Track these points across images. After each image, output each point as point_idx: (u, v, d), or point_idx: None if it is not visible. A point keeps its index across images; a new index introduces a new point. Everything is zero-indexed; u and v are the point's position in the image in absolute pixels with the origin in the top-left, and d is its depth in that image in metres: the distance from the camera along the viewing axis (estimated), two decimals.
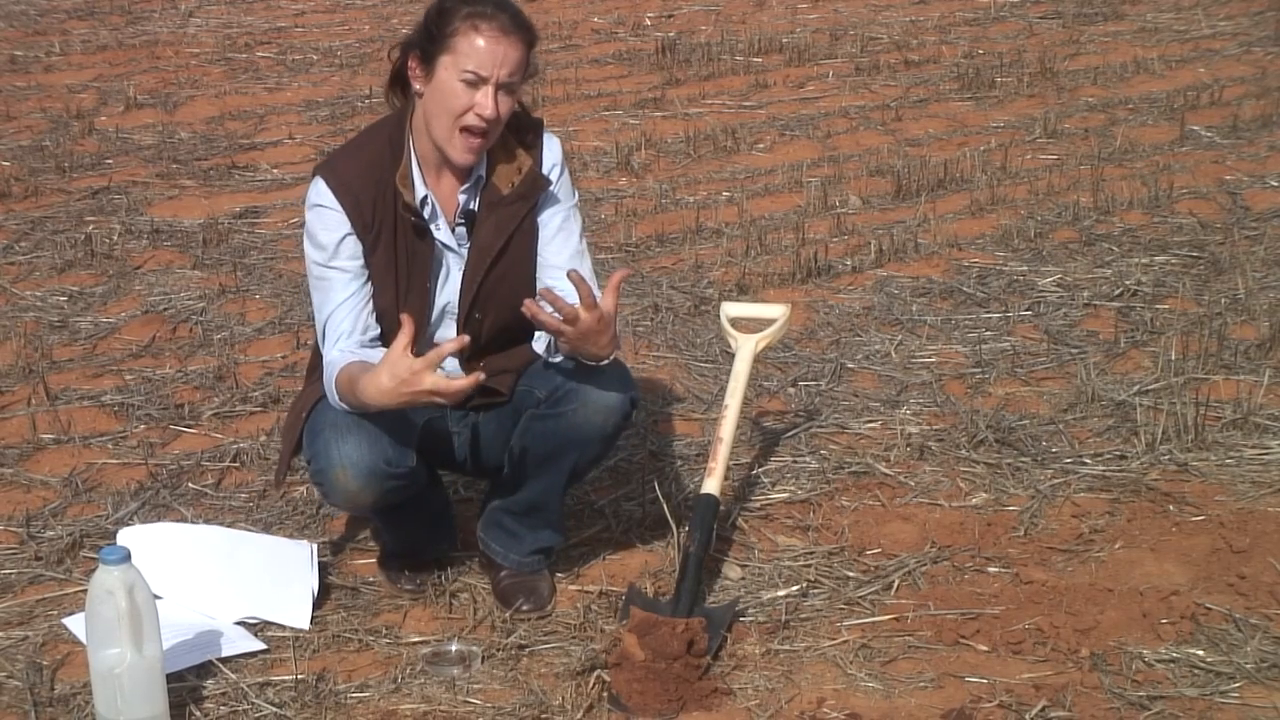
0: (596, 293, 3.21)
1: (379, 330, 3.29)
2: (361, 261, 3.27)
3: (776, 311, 3.78)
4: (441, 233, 3.32)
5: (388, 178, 3.26)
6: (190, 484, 4.03)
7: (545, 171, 3.35)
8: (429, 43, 3.19)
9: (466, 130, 3.19)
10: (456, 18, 3.16)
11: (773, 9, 9.33)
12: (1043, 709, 3.11)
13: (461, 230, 3.34)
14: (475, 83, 3.15)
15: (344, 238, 3.25)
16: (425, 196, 3.30)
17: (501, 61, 3.15)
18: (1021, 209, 6.00)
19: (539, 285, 3.36)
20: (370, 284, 3.28)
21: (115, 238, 5.70)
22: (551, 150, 3.39)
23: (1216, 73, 7.92)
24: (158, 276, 5.40)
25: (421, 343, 3.32)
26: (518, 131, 3.34)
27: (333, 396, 3.21)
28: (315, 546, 3.58)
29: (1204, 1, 9.35)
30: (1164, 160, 6.58)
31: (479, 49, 3.15)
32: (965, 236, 5.73)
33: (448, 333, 3.36)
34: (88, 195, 6.17)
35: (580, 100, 7.48)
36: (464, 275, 3.33)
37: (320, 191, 3.26)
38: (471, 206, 3.33)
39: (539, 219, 3.37)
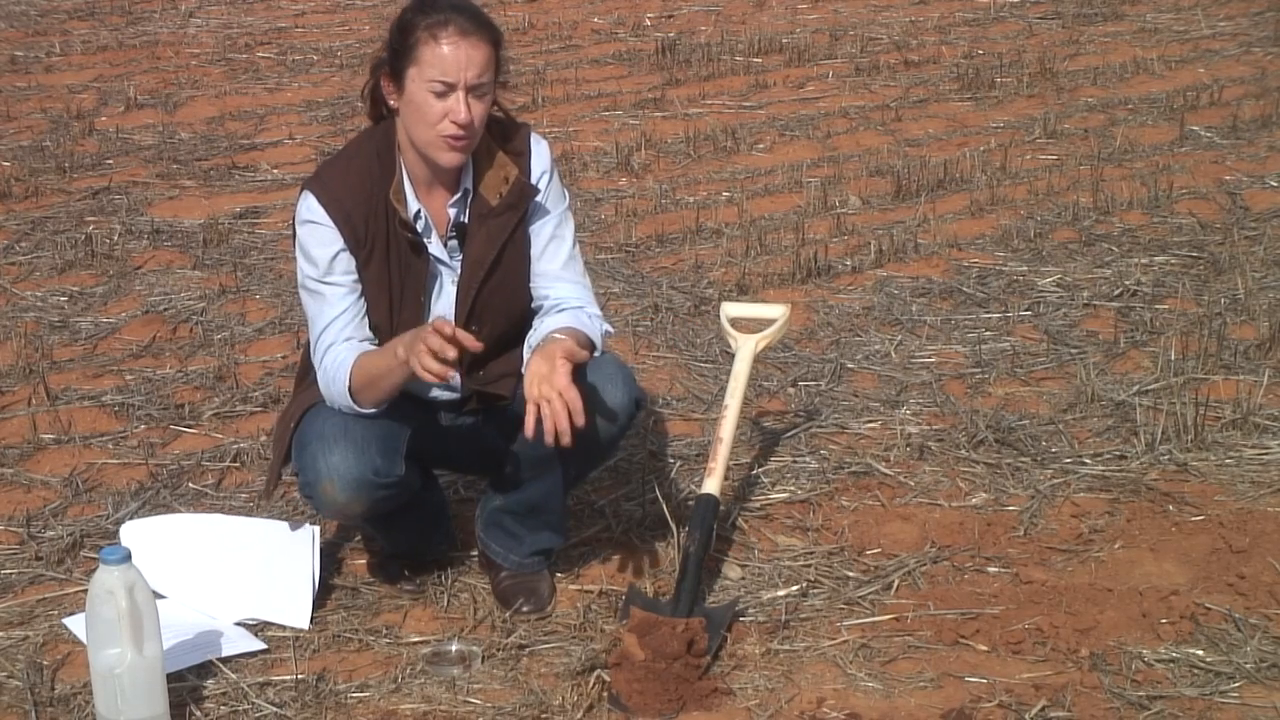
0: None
1: (377, 342, 3.29)
2: (355, 276, 3.26)
3: (776, 312, 3.78)
4: (434, 246, 3.32)
5: (379, 193, 3.25)
6: (190, 484, 4.03)
7: (534, 179, 3.34)
8: (395, 59, 3.19)
9: (447, 137, 3.18)
10: (417, 29, 3.15)
11: (773, 9, 9.33)
12: (1043, 709, 3.11)
13: (454, 244, 3.33)
14: (444, 92, 3.14)
15: (337, 254, 3.24)
16: (419, 211, 3.29)
17: (466, 65, 3.13)
18: (1021, 209, 6.00)
19: (533, 293, 3.37)
20: (364, 298, 3.28)
21: (115, 238, 5.70)
22: (540, 156, 3.36)
23: (1216, 73, 7.92)
24: (158, 276, 5.40)
25: None
26: (502, 139, 3.33)
27: (340, 390, 3.20)
28: (318, 530, 3.53)
29: (1204, 1, 9.34)
30: (1164, 160, 6.58)
31: (442, 57, 3.13)
32: (965, 237, 5.73)
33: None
34: (88, 195, 6.18)
35: (580, 100, 7.48)
36: (458, 289, 3.32)
37: (310, 207, 3.25)
38: (462, 219, 3.33)
39: (530, 228, 3.37)
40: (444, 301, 3.33)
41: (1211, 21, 8.95)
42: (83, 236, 5.70)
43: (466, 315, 3.32)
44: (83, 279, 5.39)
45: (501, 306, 3.33)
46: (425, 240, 3.29)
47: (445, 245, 3.33)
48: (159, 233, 5.78)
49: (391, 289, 3.28)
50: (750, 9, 9.32)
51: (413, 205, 3.28)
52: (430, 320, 3.14)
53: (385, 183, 3.26)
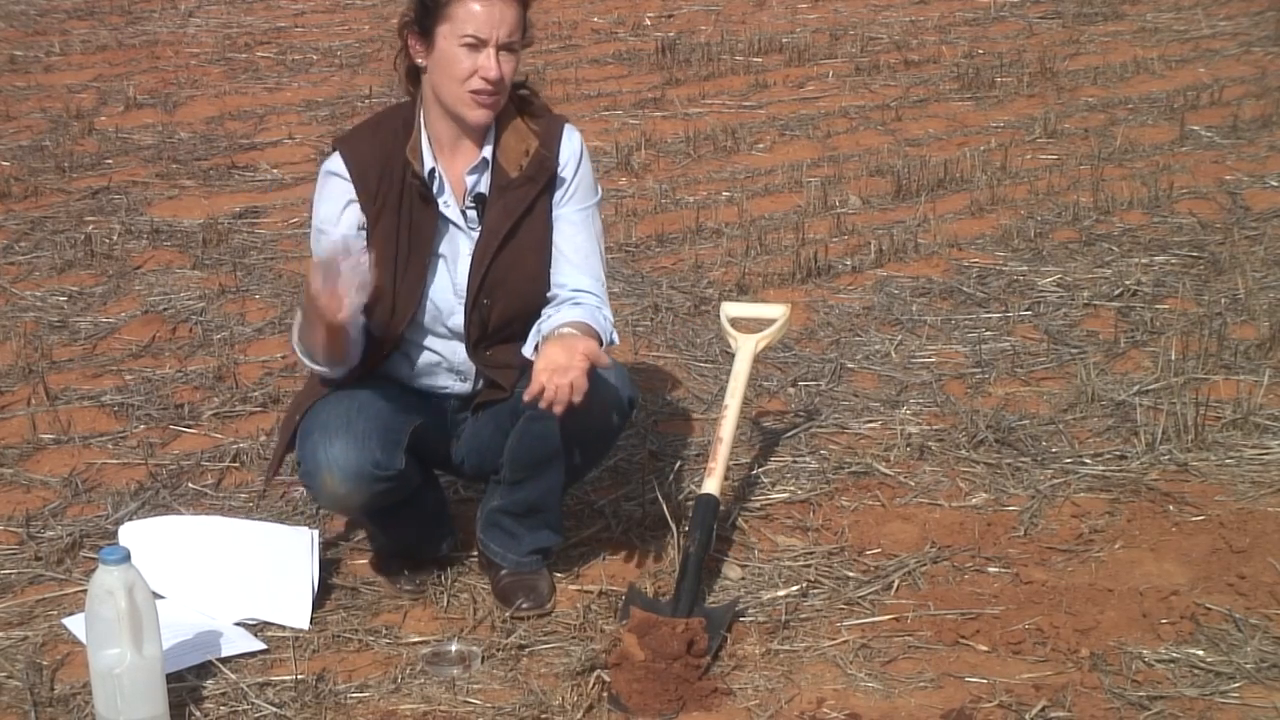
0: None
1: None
2: (360, 230, 3.30)
3: (776, 311, 3.79)
4: (451, 210, 3.34)
5: (398, 151, 3.31)
6: (190, 484, 4.03)
7: (562, 160, 3.38)
8: (425, 16, 3.25)
9: (475, 92, 3.23)
10: None
11: (773, 9, 9.33)
12: (1043, 709, 3.11)
13: (473, 214, 3.36)
14: (476, 46, 3.21)
15: (347, 204, 3.31)
16: (433, 169, 3.33)
17: (499, 22, 3.21)
18: (1021, 209, 6.00)
19: (551, 278, 3.39)
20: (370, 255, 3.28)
21: (115, 238, 5.70)
22: (570, 141, 3.41)
23: (1216, 73, 7.92)
24: (158, 276, 5.40)
25: (417, 326, 3.36)
26: (531, 115, 3.37)
27: (300, 349, 3.31)
28: (316, 533, 3.55)
29: (1204, 1, 9.34)
30: (1164, 160, 6.58)
31: (476, 13, 3.20)
32: (965, 236, 5.73)
33: (455, 319, 3.37)
34: (88, 195, 6.17)
35: (580, 100, 7.48)
36: (473, 257, 3.35)
37: (334, 160, 3.34)
38: (481, 189, 3.35)
39: (559, 211, 3.39)
40: (460, 271, 3.35)
41: (1212, 21, 8.95)
42: (82, 236, 5.70)
43: (479, 287, 3.34)
44: (82, 279, 5.39)
45: (515, 284, 3.35)
46: (440, 201, 3.33)
47: (464, 214, 3.35)
48: (158, 233, 5.78)
49: (398, 244, 3.30)
50: (750, 9, 9.32)
51: (428, 163, 3.32)
52: (431, 291, 3.31)
53: (404, 140, 3.32)
